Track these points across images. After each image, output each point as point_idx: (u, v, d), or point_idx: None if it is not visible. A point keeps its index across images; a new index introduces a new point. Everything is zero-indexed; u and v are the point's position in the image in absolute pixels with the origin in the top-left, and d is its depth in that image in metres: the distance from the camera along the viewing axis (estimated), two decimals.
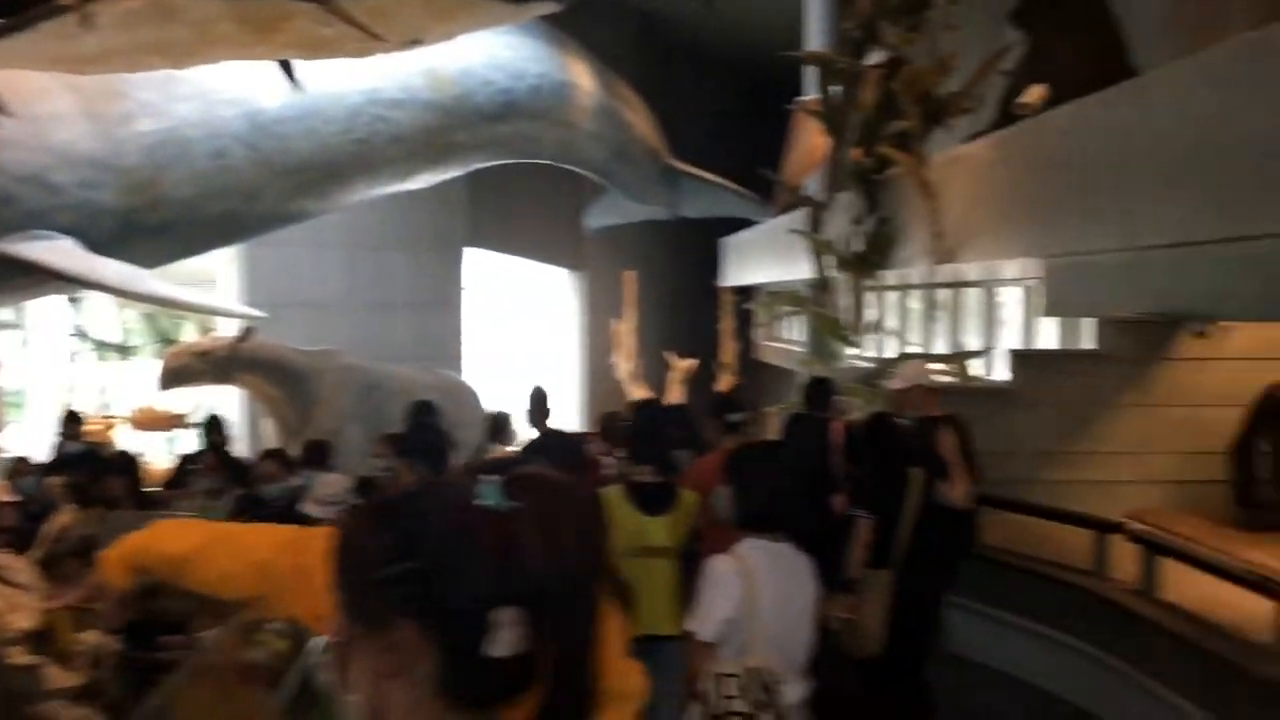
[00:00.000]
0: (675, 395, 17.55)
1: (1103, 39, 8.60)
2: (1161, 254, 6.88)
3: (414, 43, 4.04)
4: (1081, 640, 5.46)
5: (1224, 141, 5.88)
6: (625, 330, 17.52)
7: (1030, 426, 6.92)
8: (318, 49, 4.15)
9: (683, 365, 17.49)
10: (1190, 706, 4.74)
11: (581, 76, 13.49)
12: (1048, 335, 8.48)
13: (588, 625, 1.32)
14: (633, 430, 5.28)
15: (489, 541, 1.26)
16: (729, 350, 18.38)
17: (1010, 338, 9.26)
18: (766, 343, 18.73)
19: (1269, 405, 6.39)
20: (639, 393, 17.23)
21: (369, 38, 3.63)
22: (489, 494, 1.28)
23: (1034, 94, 8.10)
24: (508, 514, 1.27)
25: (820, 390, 6.83)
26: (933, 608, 5.78)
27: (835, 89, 10.90)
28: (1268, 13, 6.26)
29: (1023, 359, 7.18)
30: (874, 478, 5.79)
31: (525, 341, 19.28)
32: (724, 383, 16.26)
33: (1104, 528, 5.56)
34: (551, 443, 5.60)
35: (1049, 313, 8.09)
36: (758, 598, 3.60)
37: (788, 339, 17.24)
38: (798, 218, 11.93)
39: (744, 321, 15.07)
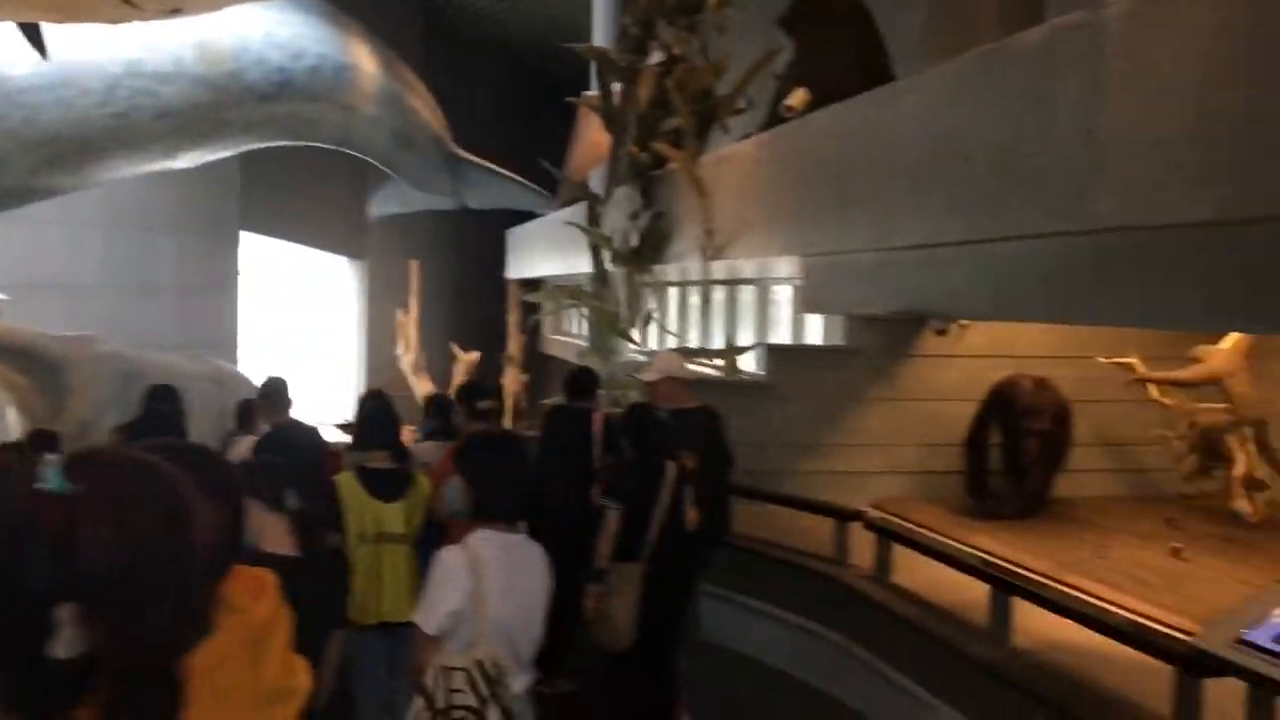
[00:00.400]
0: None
1: (864, 46, 8.91)
2: (908, 255, 7.18)
3: (174, 11, 3.73)
4: (823, 625, 5.63)
5: (964, 149, 6.16)
6: (408, 321, 17.17)
7: (785, 419, 7.10)
8: (66, 11, 3.80)
9: (467, 357, 17.25)
10: (915, 687, 4.94)
11: (364, 60, 13.08)
12: (815, 331, 8.74)
13: (164, 621, 1.20)
14: (360, 417, 5.13)
15: (47, 529, 1.12)
16: (515, 343, 18.29)
17: (781, 334, 9.51)
18: (552, 336, 18.74)
19: (998, 400, 6.74)
20: (422, 384, 16.96)
21: (123, 3, 3.33)
22: (50, 477, 1.15)
23: (797, 98, 8.33)
24: (68, 498, 1.14)
25: (582, 382, 6.80)
26: (684, 598, 5.84)
27: (615, 85, 10.97)
28: (1013, 26, 6.58)
29: (777, 354, 7.37)
30: (629, 469, 5.79)
31: (305, 329, 18.64)
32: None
33: (843, 516, 5.75)
34: (289, 434, 5.38)
35: (807, 309, 8.34)
36: (487, 590, 3.52)
37: (571, 332, 17.31)
38: (578, 211, 11.94)
39: (530, 314, 14.97)
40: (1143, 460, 7.36)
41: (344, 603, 4.06)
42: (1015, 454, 6.77)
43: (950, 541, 6.11)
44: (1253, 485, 6.33)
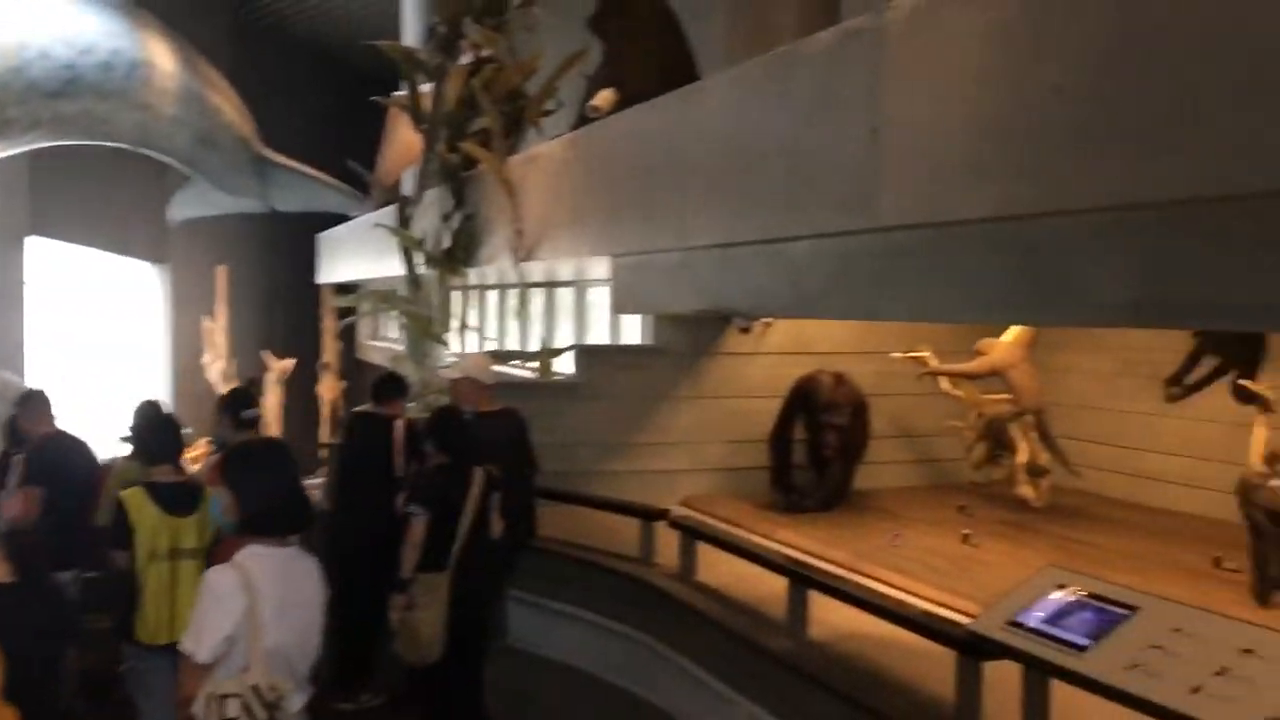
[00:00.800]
0: (272, 397, 16.67)
1: (669, 47, 8.93)
2: (709, 255, 7.21)
3: None
4: (629, 626, 5.58)
5: (759, 149, 6.21)
6: (215, 328, 16.46)
7: (595, 419, 7.04)
8: None
9: (280, 365, 16.64)
10: (717, 683, 4.93)
11: (162, 57, 12.44)
12: (634, 333, 8.71)
13: None
14: (140, 429, 4.83)
15: None
16: (331, 350, 17.74)
17: (599, 335, 9.43)
18: (368, 342, 18.26)
19: (799, 396, 6.84)
20: None
21: None
22: None
23: (603, 98, 8.28)
24: None
25: (386, 387, 6.59)
26: (491, 607, 5.70)
27: (423, 84, 10.72)
28: (810, 30, 6.65)
29: (587, 354, 7.31)
30: (435, 475, 5.63)
31: (107, 338, 17.66)
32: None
33: (648, 516, 5.72)
34: (55, 445, 5.03)
35: (616, 310, 8.28)
36: (260, 611, 3.31)
37: (389, 338, 16.89)
38: (391, 214, 11.63)
39: (344, 320, 14.51)
40: (937, 450, 7.59)
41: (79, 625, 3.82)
42: (817, 448, 6.87)
43: (752, 537, 6.15)
44: (1035, 471, 6.59)
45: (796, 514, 6.65)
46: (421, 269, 10.88)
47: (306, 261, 17.89)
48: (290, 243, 18.40)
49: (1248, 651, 2.96)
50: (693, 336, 7.20)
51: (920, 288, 5.61)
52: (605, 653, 5.72)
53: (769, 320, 7.25)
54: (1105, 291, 4.53)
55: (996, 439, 6.66)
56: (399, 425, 6.14)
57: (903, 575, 5.35)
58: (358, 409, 6.91)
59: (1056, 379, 7.73)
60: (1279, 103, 3.59)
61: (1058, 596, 3.47)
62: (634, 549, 5.82)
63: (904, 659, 4.29)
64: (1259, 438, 5.51)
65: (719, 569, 5.31)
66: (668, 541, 5.76)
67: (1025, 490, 6.40)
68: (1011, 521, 6.46)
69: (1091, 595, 3.41)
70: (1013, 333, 6.61)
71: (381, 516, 5.73)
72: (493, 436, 5.75)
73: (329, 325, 17.62)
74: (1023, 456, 6.43)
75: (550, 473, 6.84)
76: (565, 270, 9.77)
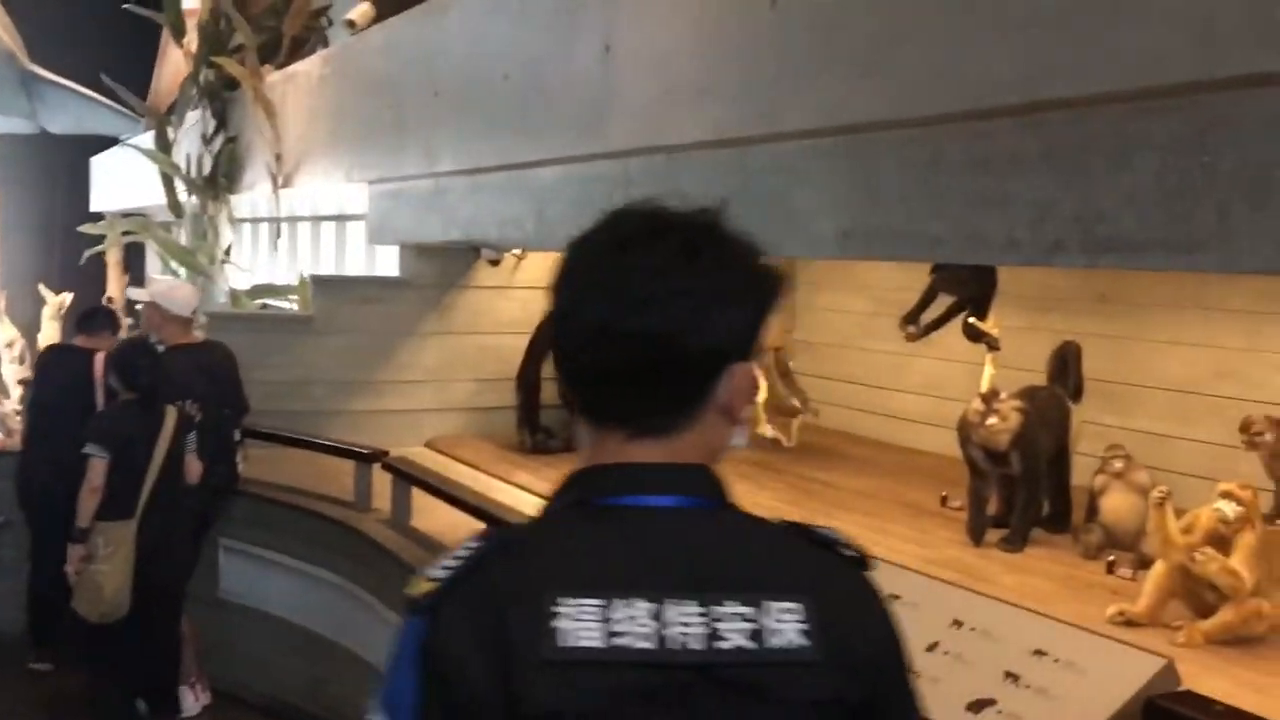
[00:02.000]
0: (50, 334, 15.42)
1: None
2: (459, 181, 6.74)
3: None
4: (340, 576, 5.13)
5: (501, 67, 5.75)
6: None
7: (331, 356, 6.50)
8: None
9: (57, 300, 15.39)
10: None
11: None
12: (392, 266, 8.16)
13: None
14: None
15: None
16: (118, 285, 16.52)
17: (356, 269, 8.84)
18: (157, 276, 17.10)
19: (547, 331, 6.44)
20: (4, 330, 14.98)
21: None
22: None
23: (360, 11, 7.65)
24: None
25: (89, 319, 5.93)
26: (187, 559, 5.18)
27: None
28: None
29: (323, 285, 6.74)
30: (119, 412, 5.05)
31: None
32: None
33: (365, 458, 5.26)
34: None
35: (371, 241, 7.76)
36: None
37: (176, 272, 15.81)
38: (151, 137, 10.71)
39: (93, 250, 13.41)
40: None
41: None
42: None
43: (490, 480, 5.78)
44: (783, 411, 6.37)
45: (543, 455, 6.29)
46: (183, 196, 10.08)
47: (85, 188, 16.59)
48: (69, 168, 17.04)
49: (959, 623, 2.71)
50: (440, 269, 6.72)
51: None
52: (316, 604, 5.26)
53: (520, 253, 6.83)
54: (819, 220, 4.27)
55: None
56: (99, 360, 5.51)
57: None
58: (54, 343, 6.23)
59: (818, 318, 7.57)
60: (988, 22, 3.33)
61: None
62: (346, 493, 5.36)
63: None
64: (988, 376, 5.40)
65: (437, 515, 4.89)
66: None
67: (766, 429, 6.18)
68: (757, 462, 6.25)
69: None
70: None
71: (74, 458, 5.11)
72: (188, 372, 5.19)
73: (112, 258, 16.38)
74: (763, 394, 6.19)
75: (282, 412, 6.31)
76: (328, 203, 9.14)
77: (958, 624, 3.04)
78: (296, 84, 8.45)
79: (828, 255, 4.24)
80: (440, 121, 6.35)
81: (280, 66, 8.86)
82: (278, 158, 8.72)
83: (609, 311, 1.20)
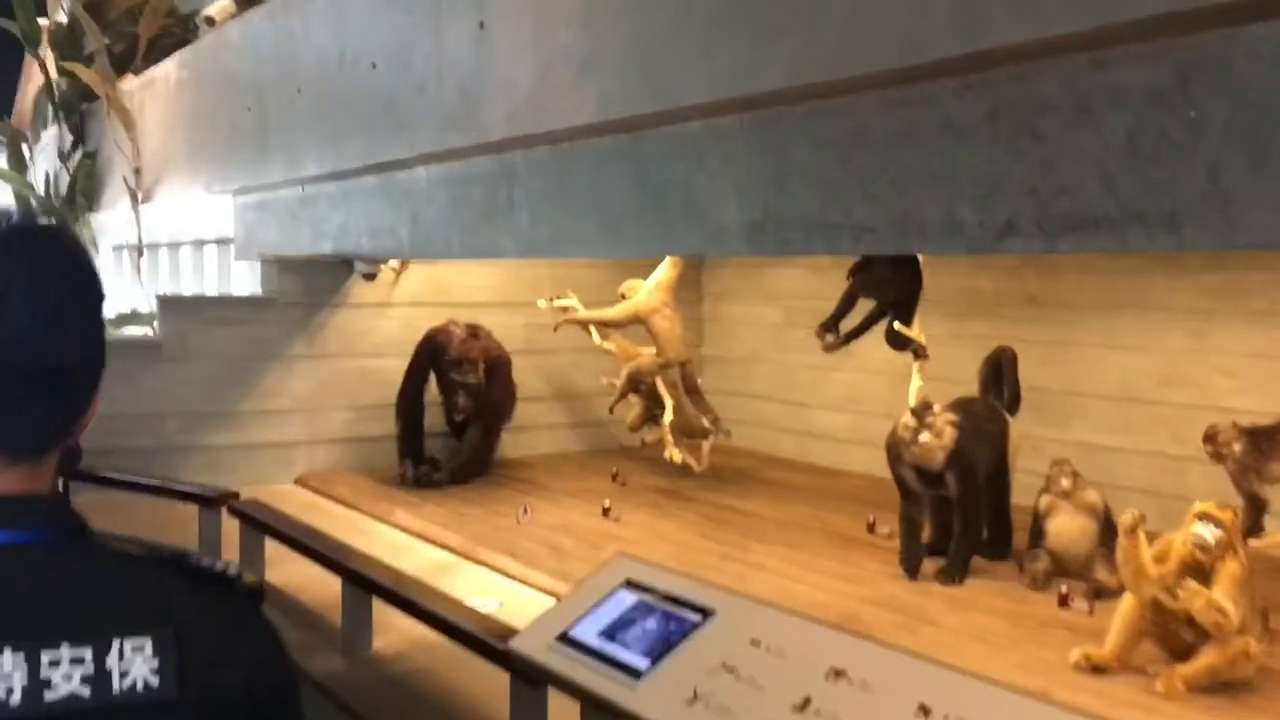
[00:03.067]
0: None
1: None
2: (327, 189, 6.02)
3: None
4: None
5: (366, 55, 5.05)
6: None
7: (185, 384, 5.69)
8: None
9: None
10: None
11: None
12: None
13: None
14: None
15: None
16: None
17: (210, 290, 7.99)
18: None
19: (426, 352, 5.72)
20: None
21: None
22: None
23: (218, 7, 6.89)
24: None
25: None
26: None
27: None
28: None
29: (171, 306, 5.92)
30: None
31: None
32: None
33: (207, 501, 4.48)
34: None
35: (239, 257, 6.95)
36: None
37: None
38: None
39: None
40: (598, 412, 6.67)
41: None
42: (448, 412, 5.80)
43: (363, 520, 5.04)
44: (692, 432, 5.74)
45: (427, 489, 5.56)
46: (40, 218, 9.15)
47: None
48: None
49: (839, 673, 2.07)
50: (307, 285, 5.96)
51: (538, 218, 4.60)
52: None
53: (398, 265, 6.11)
54: (724, 211, 3.65)
55: (650, 396, 5.78)
56: None
57: (518, 559, 4.36)
58: None
59: (726, 330, 6.97)
60: None
61: (624, 597, 2.51)
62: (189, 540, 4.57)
63: (476, 679, 3.27)
64: (915, 388, 4.83)
65: (297, 568, 4.11)
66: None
67: (675, 453, 5.54)
68: (665, 490, 5.61)
69: (663, 595, 2.47)
70: (658, 273, 5.72)
71: None
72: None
73: None
74: (669, 415, 5.56)
75: (128, 450, 5.48)
76: (198, 225, 8.29)
77: (838, 675, 2.34)
78: (154, 90, 7.63)
79: (735, 252, 3.61)
80: (303, 122, 5.62)
81: (138, 73, 8.02)
82: (136, 171, 7.89)
83: None
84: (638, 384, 5.67)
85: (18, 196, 9.21)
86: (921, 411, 4.08)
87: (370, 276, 5.99)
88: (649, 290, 5.61)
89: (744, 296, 6.84)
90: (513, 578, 4.25)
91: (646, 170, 3.87)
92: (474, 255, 4.97)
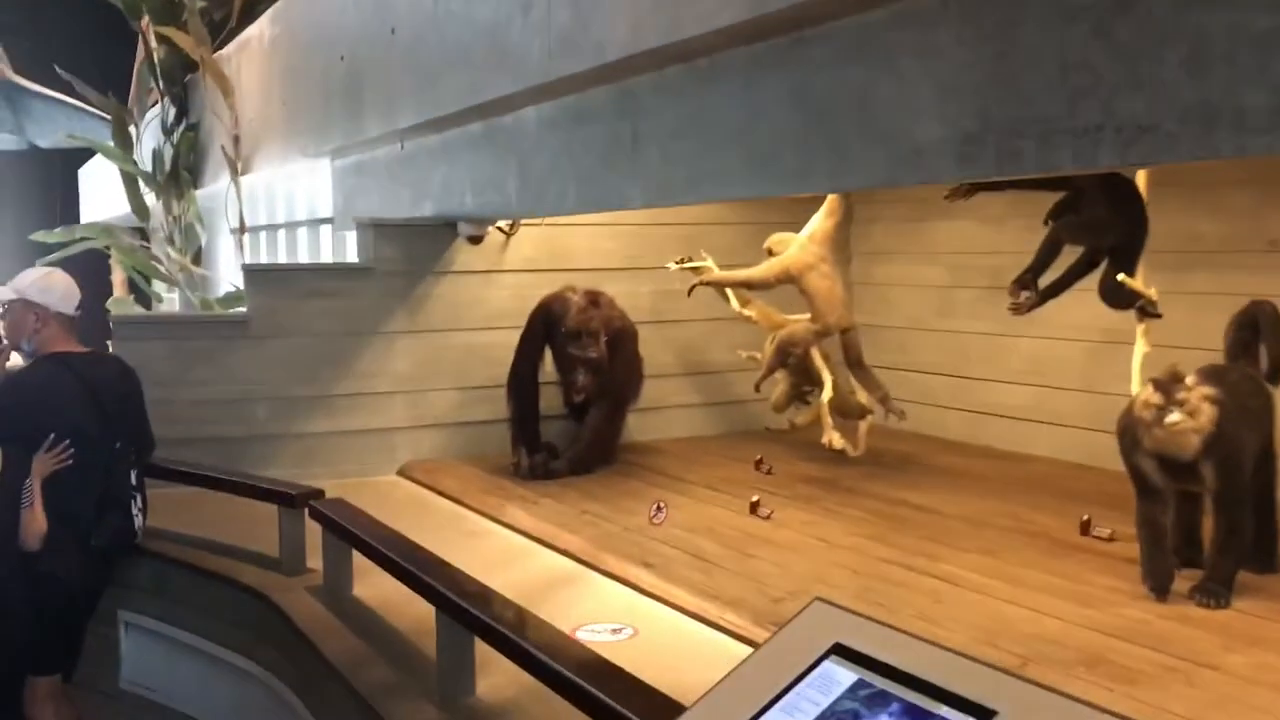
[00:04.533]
0: None
1: None
2: (428, 141, 5.26)
3: None
4: (258, 664, 3.63)
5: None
6: None
7: (275, 365, 4.99)
8: None
9: None
10: None
11: None
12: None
13: None
14: None
15: None
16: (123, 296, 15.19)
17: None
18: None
19: (540, 324, 4.88)
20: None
21: None
22: None
23: None
24: None
25: None
26: (53, 638, 3.69)
27: None
28: None
29: (259, 278, 5.20)
30: None
31: None
32: None
33: (287, 500, 3.74)
34: None
35: (339, 227, 6.28)
36: None
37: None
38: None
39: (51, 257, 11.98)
40: (735, 390, 5.79)
41: None
42: (566, 391, 4.98)
43: (475, 517, 4.27)
44: (849, 412, 4.81)
45: (543, 480, 4.77)
46: (147, 196, 8.67)
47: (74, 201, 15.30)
48: (63, 182, 15.78)
49: None
50: (408, 251, 5.20)
51: (669, 155, 3.73)
52: (232, 702, 3.75)
53: (507, 226, 5.32)
54: (920, 124, 2.73)
55: (800, 370, 4.87)
56: None
57: (653, 570, 3.52)
58: None
59: (880, 295, 5.99)
60: None
61: (837, 674, 1.62)
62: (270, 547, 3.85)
63: None
64: (1140, 356, 3.82)
65: (388, 580, 3.32)
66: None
67: (834, 438, 4.62)
68: (821, 480, 4.70)
69: (902, 676, 1.57)
70: (812, 224, 4.79)
71: None
72: (65, 391, 3.71)
73: (117, 277, 15.07)
74: (828, 392, 4.64)
75: (213, 440, 4.85)
76: (295, 200, 7.64)
77: None
78: (249, 51, 7.00)
79: (937, 177, 2.68)
80: (398, 64, 4.86)
81: (234, 35, 7.42)
82: (235, 140, 7.28)
83: None
84: (787, 356, 4.76)
85: (124, 175, 8.74)
86: (1169, 385, 3.09)
87: (476, 240, 5.21)
88: (801, 244, 4.68)
89: (901, 255, 5.86)
90: (648, 594, 3.41)
91: (811, 82, 2.96)
92: (593, 207, 4.14)
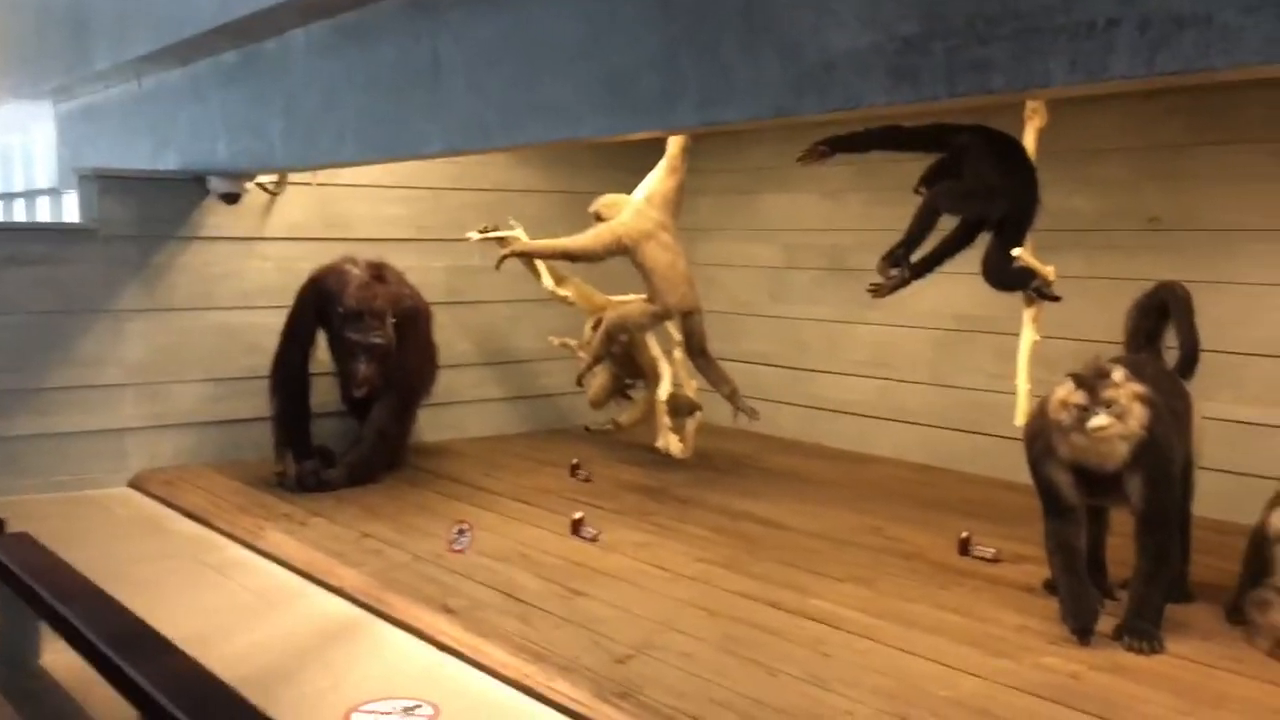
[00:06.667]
0: None
1: None
2: (170, 76, 4.20)
3: None
4: None
5: None
6: None
7: None
8: None
9: None
10: None
11: None
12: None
13: None
14: None
15: None
16: None
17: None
18: None
19: (312, 302, 3.94)
20: None
21: None
22: None
23: None
24: None
25: None
26: None
27: None
28: None
29: None
30: None
31: None
32: None
33: None
34: None
35: (65, 185, 5.08)
36: None
37: None
38: None
39: None
40: (543, 382, 4.98)
41: None
42: (344, 382, 4.03)
43: (225, 543, 3.28)
44: (679, 409, 4.06)
45: (315, 493, 3.81)
46: None
47: None
48: None
49: None
50: (141, 211, 4.11)
51: (479, 86, 2.87)
52: None
53: (273, 183, 4.30)
54: (831, 31, 1.99)
55: (624, 361, 4.11)
56: None
57: (457, 620, 2.67)
58: None
59: (707, 276, 5.27)
60: None
61: None
62: None
63: None
64: (1028, 346, 3.24)
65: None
66: None
67: (672, 441, 3.87)
68: (648, 488, 3.96)
69: None
70: (647, 183, 4.01)
71: None
72: None
73: None
74: (666, 387, 3.89)
75: None
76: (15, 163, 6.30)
77: None
78: None
79: (858, 101, 1.94)
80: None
81: None
82: None
83: None
84: (614, 343, 3.96)
85: None
86: (1094, 381, 2.49)
87: (232, 199, 4.16)
88: (636, 209, 3.88)
89: (728, 232, 5.18)
90: (451, 650, 2.55)
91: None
92: (380, 155, 3.23)
